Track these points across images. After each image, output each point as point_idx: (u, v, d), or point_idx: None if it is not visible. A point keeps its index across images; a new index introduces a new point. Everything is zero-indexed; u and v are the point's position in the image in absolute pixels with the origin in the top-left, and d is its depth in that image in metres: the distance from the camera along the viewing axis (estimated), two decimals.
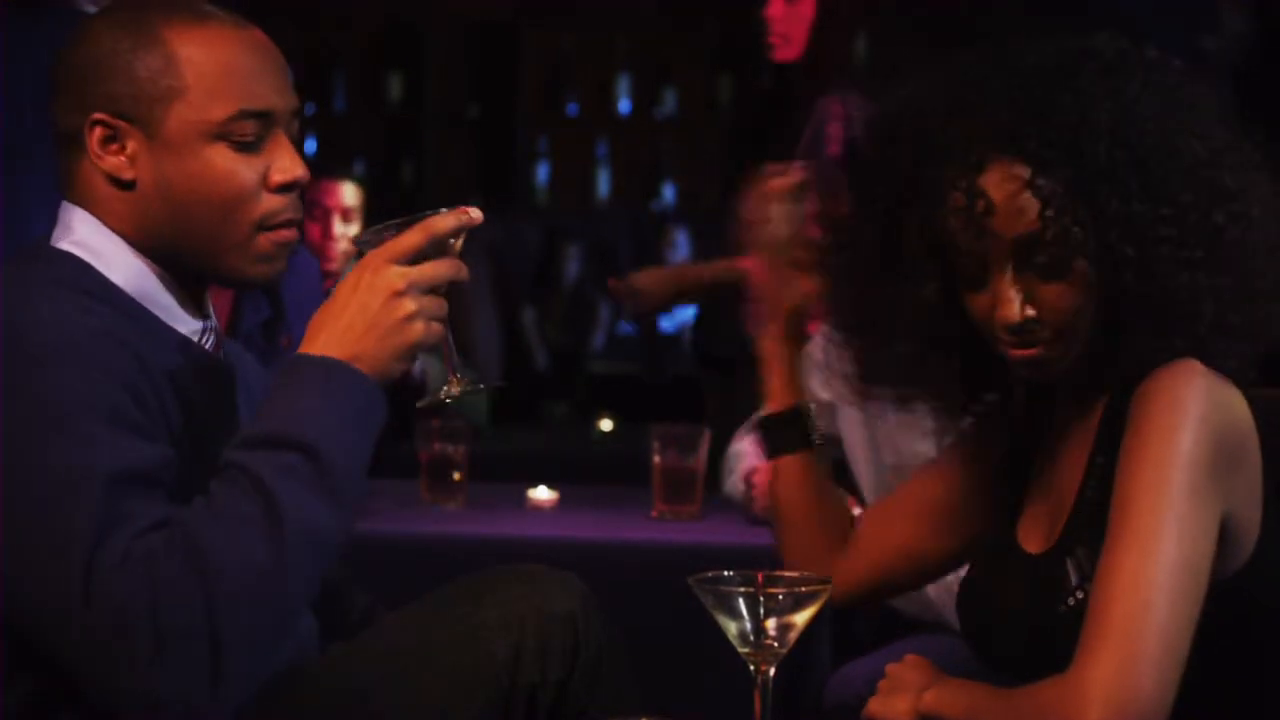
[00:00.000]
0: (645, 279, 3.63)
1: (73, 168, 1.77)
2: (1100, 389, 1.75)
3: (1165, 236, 1.66)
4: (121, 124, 1.73)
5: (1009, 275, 1.70)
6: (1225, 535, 1.66)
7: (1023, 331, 1.71)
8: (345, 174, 5.44)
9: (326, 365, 1.65)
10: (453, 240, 1.71)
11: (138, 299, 1.75)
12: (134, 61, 1.73)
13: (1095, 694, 1.57)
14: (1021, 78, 1.71)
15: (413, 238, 1.68)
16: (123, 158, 1.74)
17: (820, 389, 3.15)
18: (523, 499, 3.11)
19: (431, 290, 1.68)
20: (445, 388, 1.76)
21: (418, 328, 1.66)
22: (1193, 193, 1.67)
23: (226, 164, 1.74)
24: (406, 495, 3.12)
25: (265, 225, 1.76)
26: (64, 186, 1.78)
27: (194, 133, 1.73)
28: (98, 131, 1.73)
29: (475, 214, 1.71)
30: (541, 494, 3.11)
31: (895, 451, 2.98)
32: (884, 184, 1.77)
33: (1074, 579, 1.70)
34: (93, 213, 1.76)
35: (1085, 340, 1.71)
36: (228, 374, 1.83)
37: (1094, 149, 1.66)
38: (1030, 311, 1.70)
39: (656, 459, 2.98)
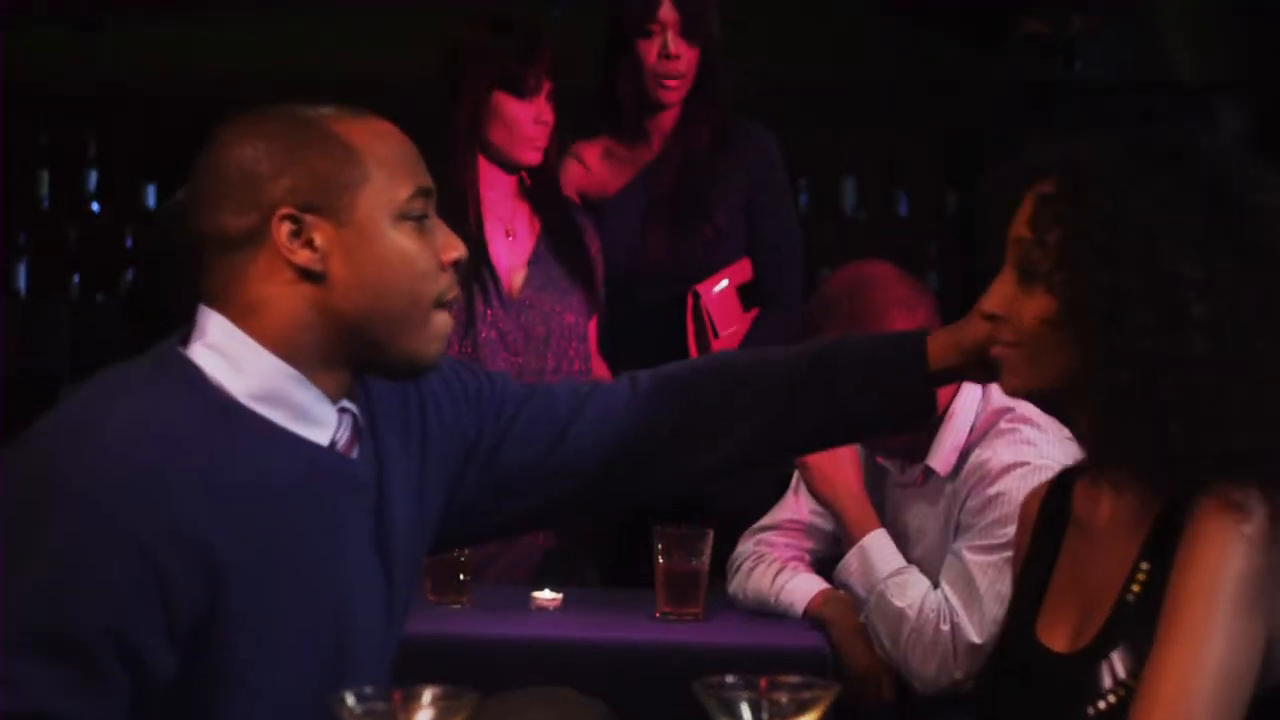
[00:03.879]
0: None
1: (237, 270, 1.73)
2: (1149, 494, 1.75)
3: (1098, 306, 1.69)
4: (308, 217, 1.72)
5: (1005, 270, 1.79)
6: (1266, 651, 1.66)
7: (991, 322, 1.79)
8: None
9: None
10: None
11: (259, 408, 1.72)
12: (311, 155, 1.73)
13: None
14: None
15: None
16: (311, 251, 1.73)
17: None
18: (527, 600, 3.11)
19: None
20: None
21: None
22: (1143, 287, 1.69)
23: (413, 243, 1.75)
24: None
25: (440, 303, 1.77)
26: (211, 294, 1.75)
27: (383, 215, 1.74)
28: (286, 226, 1.72)
29: None
30: (546, 595, 3.11)
31: (898, 526, 2.99)
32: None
33: (1106, 682, 1.70)
34: (245, 315, 1.73)
35: (1049, 385, 1.75)
36: (355, 481, 1.79)
37: (1096, 200, 1.71)
38: (994, 307, 1.78)
39: (660, 560, 2.98)
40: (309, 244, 1.72)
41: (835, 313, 2.95)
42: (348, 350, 1.75)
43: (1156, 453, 1.69)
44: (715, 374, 1.99)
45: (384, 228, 1.74)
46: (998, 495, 2.79)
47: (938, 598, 2.83)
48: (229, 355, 1.72)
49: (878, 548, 2.93)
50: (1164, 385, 1.67)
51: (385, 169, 1.75)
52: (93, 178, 6.36)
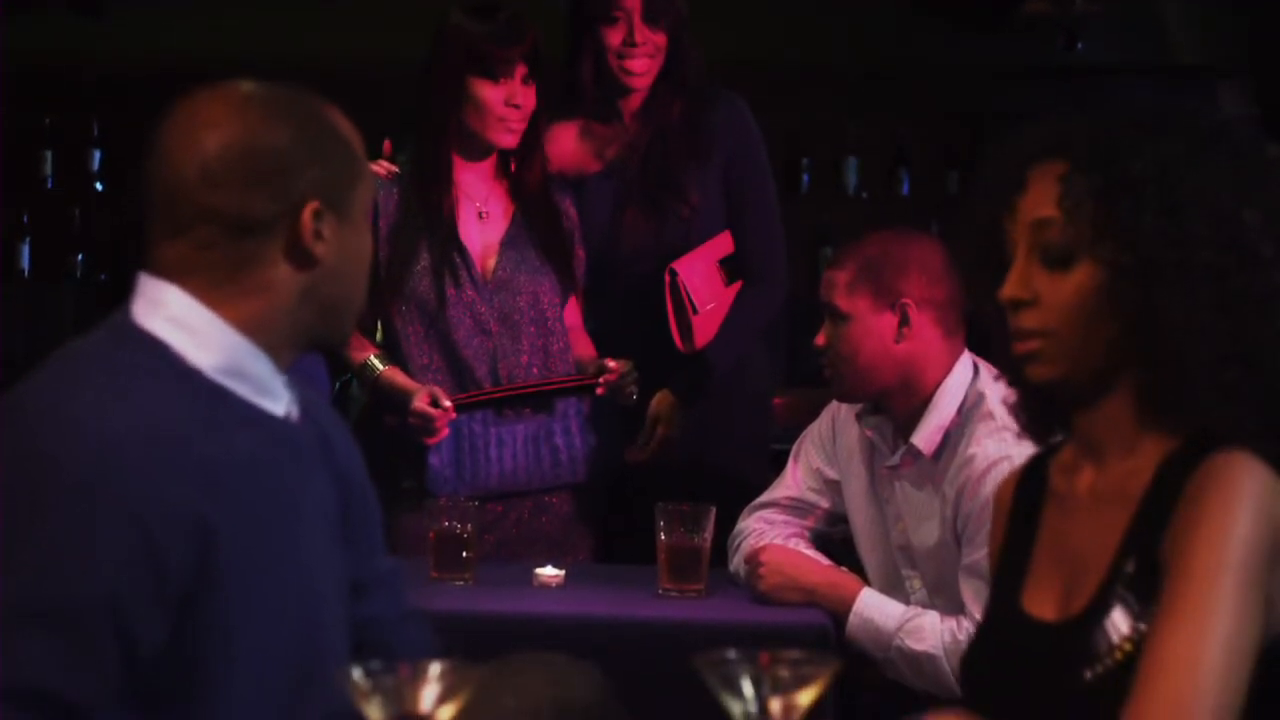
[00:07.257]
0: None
1: (247, 253, 1.74)
2: (1135, 460, 1.75)
3: (1171, 260, 1.68)
4: (325, 209, 1.75)
5: (1021, 257, 1.75)
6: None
7: (1016, 311, 1.74)
8: None
9: None
10: None
11: (223, 381, 1.74)
12: (331, 148, 1.78)
13: None
14: (1097, 107, 1.79)
15: None
16: (323, 242, 1.76)
17: (826, 466, 3.18)
18: (529, 576, 3.12)
19: None
20: None
21: None
22: (1211, 232, 1.69)
23: (371, 234, 1.86)
24: (416, 572, 3.13)
25: None
26: (186, 268, 1.75)
27: (364, 209, 1.81)
28: (311, 218, 1.74)
29: None
30: (548, 572, 3.12)
31: (902, 532, 3.00)
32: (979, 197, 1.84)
33: (1101, 647, 1.70)
34: (236, 297, 1.75)
35: (1087, 364, 1.74)
36: (309, 442, 1.83)
37: (1129, 161, 1.71)
38: (1024, 293, 1.74)
39: (662, 537, 2.99)
40: (319, 235, 1.75)
41: (857, 251, 2.96)
42: (315, 331, 1.80)
43: (1237, 396, 1.68)
44: None
45: (363, 222, 1.81)
46: (990, 498, 2.79)
47: (955, 623, 2.84)
48: (192, 330, 1.74)
49: (872, 606, 2.94)
50: (1253, 325, 1.69)
51: (367, 168, 1.82)
52: (96, 158, 6.36)
